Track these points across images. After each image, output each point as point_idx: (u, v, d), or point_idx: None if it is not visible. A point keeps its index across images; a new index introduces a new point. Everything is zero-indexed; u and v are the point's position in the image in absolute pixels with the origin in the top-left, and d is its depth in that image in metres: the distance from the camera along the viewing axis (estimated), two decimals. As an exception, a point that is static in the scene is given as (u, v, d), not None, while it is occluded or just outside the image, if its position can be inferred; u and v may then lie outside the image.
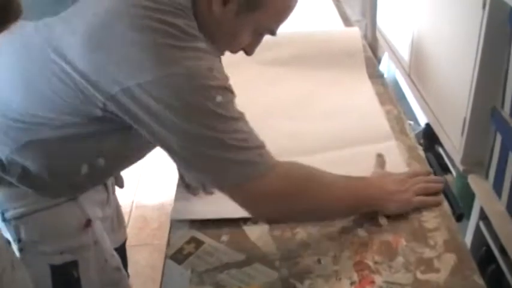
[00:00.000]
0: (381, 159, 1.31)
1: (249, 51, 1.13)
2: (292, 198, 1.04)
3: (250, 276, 1.06)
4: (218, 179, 1.00)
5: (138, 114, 0.93)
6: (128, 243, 2.14)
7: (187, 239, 1.17)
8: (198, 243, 1.15)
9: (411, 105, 2.16)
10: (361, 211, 1.16)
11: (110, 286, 1.30)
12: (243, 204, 1.03)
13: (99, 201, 1.27)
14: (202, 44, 0.95)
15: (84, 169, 1.08)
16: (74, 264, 1.20)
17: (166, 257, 1.13)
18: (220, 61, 1.03)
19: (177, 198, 1.28)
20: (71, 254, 1.19)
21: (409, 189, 1.17)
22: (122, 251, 1.52)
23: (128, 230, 2.49)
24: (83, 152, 1.08)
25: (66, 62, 0.95)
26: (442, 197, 1.20)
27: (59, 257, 1.18)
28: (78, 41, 0.93)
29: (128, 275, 1.59)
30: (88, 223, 1.20)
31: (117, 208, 1.46)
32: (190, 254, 1.13)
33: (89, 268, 1.22)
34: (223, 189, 1.01)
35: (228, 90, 0.98)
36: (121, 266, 1.33)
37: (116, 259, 1.32)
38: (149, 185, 3.01)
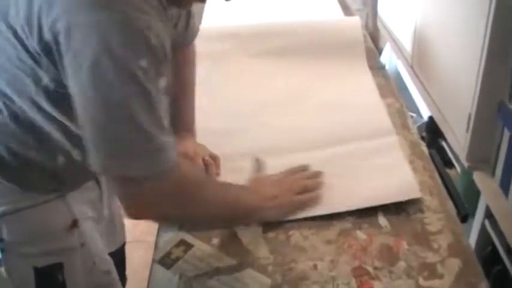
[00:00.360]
0: (258, 163, 1.26)
1: None
2: (182, 203, 0.96)
3: (242, 282, 1.00)
4: (105, 160, 0.86)
5: (64, 58, 0.82)
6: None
7: (176, 242, 1.10)
8: (187, 246, 1.09)
9: (413, 97, 2.10)
10: (243, 222, 1.11)
11: None
12: (125, 198, 0.91)
13: (89, 200, 1.21)
14: (154, 1, 0.84)
15: (61, 159, 1.02)
16: (59, 266, 1.14)
17: (153, 261, 1.07)
18: (167, 30, 0.90)
19: None
20: (56, 256, 1.14)
21: (288, 189, 1.13)
22: (120, 253, 1.48)
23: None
24: (55, 141, 1.01)
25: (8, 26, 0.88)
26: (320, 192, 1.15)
27: (43, 259, 1.13)
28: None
29: (126, 278, 1.54)
30: (74, 223, 1.14)
31: (116, 210, 1.39)
32: (178, 258, 1.07)
33: (75, 271, 1.17)
34: (108, 175, 0.91)
35: (157, 59, 0.84)
36: (112, 269, 1.28)
37: (107, 262, 1.26)
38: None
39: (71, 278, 1.16)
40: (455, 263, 0.99)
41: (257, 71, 1.68)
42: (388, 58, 2.32)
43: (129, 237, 1.92)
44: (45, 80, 0.91)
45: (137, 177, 0.86)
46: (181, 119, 1.33)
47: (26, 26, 0.85)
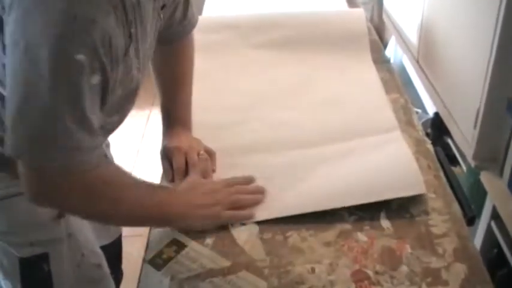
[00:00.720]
0: (203, 164, 1.20)
1: None
2: (90, 201, 0.93)
3: (236, 285, 0.95)
4: (17, 142, 0.83)
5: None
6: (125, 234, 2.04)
7: (168, 241, 1.05)
8: (180, 246, 1.04)
9: (419, 93, 2.06)
10: (160, 225, 1.08)
11: (87, 284, 1.22)
12: (37, 183, 0.88)
13: None
14: None
15: None
16: (45, 257, 1.12)
17: (143, 261, 1.02)
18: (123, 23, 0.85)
19: None
20: (41, 246, 1.11)
21: (220, 201, 1.08)
22: (116, 246, 1.45)
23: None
24: None
25: None
26: (255, 211, 1.09)
27: (28, 249, 1.11)
28: None
29: (122, 273, 1.50)
30: (61, 213, 1.11)
31: None
32: (170, 258, 1.02)
33: (62, 262, 1.15)
34: (19, 159, 0.86)
35: (95, 53, 0.79)
36: (103, 263, 1.24)
37: (97, 255, 1.23)
38: (143, 173, 2.89)
39: (57, 269, 1.14)
40: (460, 269, 0.94)
41: (256, 63, 1.63)
42: (393, 52, 2.28)
43: (127, 231, 1.88)
44: None
45: (47, 168, 0.85)
46: (176, 113, 1.28)
47: None
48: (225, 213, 1.07)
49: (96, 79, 0.81)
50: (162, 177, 1.22)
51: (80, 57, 0.76)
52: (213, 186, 1.13)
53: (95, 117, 0.85)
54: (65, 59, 0.77)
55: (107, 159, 0.99)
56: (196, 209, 1.06)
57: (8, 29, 0.78)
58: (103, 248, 1.29)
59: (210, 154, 1.23)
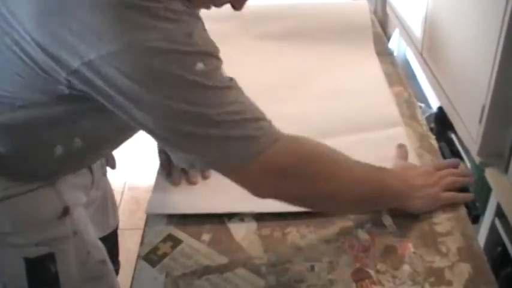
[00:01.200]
0: (402, 149, 1.16)
1: (237, 5, 0.98)
2: (300, 177, 0.88)
3: (233, 283, 0.93)
4: (210, 160, 0.86)
5: (107, 92, 0.79)
6: (119, 227, 2.02)
7: (164, 236, 1.03)
8: (176, 242, 1.02)
9: (422, 87, 2.02)
10: (380, 207, 1.03)
11: (92, 281, 1.19)
12: (243, 185, 0.88)
13: (81, 185, 1.14)
14: (178, 5, 0.79)
15: (59, 150, 0.95)
16: (51, 257, 1.08)
17: (138, 257, 1.00)
18: (203, 27, 0.87)
19: (155, 189, 1.14)
20: (47, 246, 1.07)
21: (437, 183, 1.04)
22: (112, 238, 1.42)
23: (120, 213, 2.37)
24: (55, 134, 0.94)
25: (21, 32, 0.80)
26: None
27: (34, 249, 1.07)
28: (32, 7, 0.78)
29: (119, 264, 1.49)
30: (66, 211, 1.07)
31: (108, 191, 1.34)
32: (165, 254, 1.00)
33: (68, 261, 1.11)
34: (217, 170, 0.88)
35: (212, 57, 0.82)
36: (106, 258, 1.22)
37: (101, 251, 1.21)
38: (143, 165, 2.89)
39: (64, 268, 1.11)
40: (465, 269, 0.91)
41: (258, 54, 1.60)
42: (397, 45, 2.24)
43: (127, 224, 1.86)
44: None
45: (234, 164, 0.85)
46: None
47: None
48: (445, 195, 1.04)
49: (221, 73, 0.85)
50: (159, 172, 1.19)
51: (200, 66, 0.79)
52: (426, 168, 1.09)
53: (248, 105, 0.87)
54: (189, 77, 0.78)
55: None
56: (415, 189, 1.02)
57: (114, 74, 0.77)
58: (102, 239, 1.26)
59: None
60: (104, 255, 1.20)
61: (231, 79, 0.85)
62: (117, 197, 2.44)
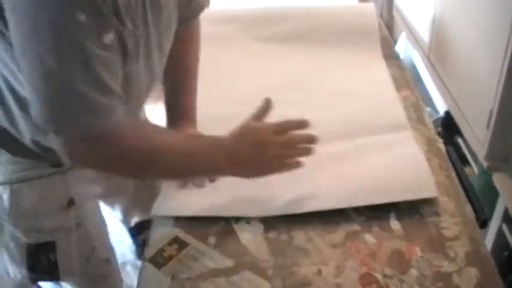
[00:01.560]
0: (265, 106, 1.08)
1: None
2: (123, 162, 0.92)
3: (239, 286, 0.92)
4: (49, 118, 0.83)
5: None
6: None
7: (170, 239, 1.02)
8: (182, 244, 1.01)
9: (429, 91, 2.02)
10: (211, 175, 1.08)
11: (95, 279, 1.21)
12: (68, 149, 0.88)
13: (92, 178, 1.15)
14: None
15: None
16: (51, 246, 1.11)
17: (144, 259, 0.99)
18: None
19: (162, 191, 1.14)
20: (49, 234, 1.10)
21: (268, 154, 1.01)
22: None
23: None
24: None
25: None
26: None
27: (36, 235, 1.10)
28: None
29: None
30: (71, 202, 1.09)
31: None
32: (171, 257, 0.99)
33: (69, 253, 1.13)
34: (52, 131, 0.86)
35: (100, 13, 0.78)
36: (112, 258, 1.23)
37: (108, 249, 1.21)
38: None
39: (64, 259, 1.13)
40: (473, 274, 0.90)
41: (263, 56, 1.60)
42: (403, 49, 2.23)
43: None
44: None
45: (72, 133, 0.84)
46: (180, 105, 1.23)
47: None
48: (272, 170, 1.02)
49: (108, 38, 0.80)
50: None
51: (82, 17, 0.74)
52: (263, 136, 1.02)
53: (114, 78, 0.84)
54: (67, 23, 0.75)
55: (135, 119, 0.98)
56: (240, 163, 1.00)
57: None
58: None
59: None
60: (110, 254, 1.20)
61: (106, 46, 0.81)
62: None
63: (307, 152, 1.03)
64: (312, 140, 1.04)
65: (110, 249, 1.23)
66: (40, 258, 1.11)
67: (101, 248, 1.18)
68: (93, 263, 1.17)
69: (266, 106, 1.08)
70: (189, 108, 1.24)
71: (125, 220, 1.37)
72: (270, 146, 1.01)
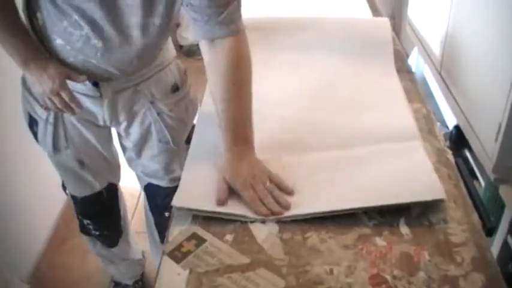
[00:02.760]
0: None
1: None
2: None
3: (254, 282, 0.96)
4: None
5: None
6: (135, 230, 2.08)
7: (188, 235, 1.07)
8: (200, 240, 1.05)
9: (439, 106, 2.04)
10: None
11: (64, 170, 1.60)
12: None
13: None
14: None
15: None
16: (35, 122, 1.46)
17: (163, 253, 1.04)
18: None
19: (182, 184, 1.18)
20: (35, 113, 1.44)
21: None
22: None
23: (136, 216, 2.41)
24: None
25: None
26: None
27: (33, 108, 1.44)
28: None
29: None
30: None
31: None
32: (189, 252, 1.03)
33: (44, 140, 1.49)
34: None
35: None
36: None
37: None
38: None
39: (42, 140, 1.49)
40: (478, 279, 0.94)
41: (278, 64, 1.64)
42: (415, 64, 2.27)
43: (144, 226, 1.92)
44: None
45: None
46: (235, 128, 1.22)
47: None
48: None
49: None
50: (185, 170, 1.23)
51: None
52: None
53: None
54: None
55: None
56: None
57: None
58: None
59: (276, 182, 1.16)
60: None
61: None
62: (134, 201, 2.48)
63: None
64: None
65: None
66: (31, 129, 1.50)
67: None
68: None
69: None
70: (244, 130, 1.23)
71: None
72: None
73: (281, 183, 1.15)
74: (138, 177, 1.71)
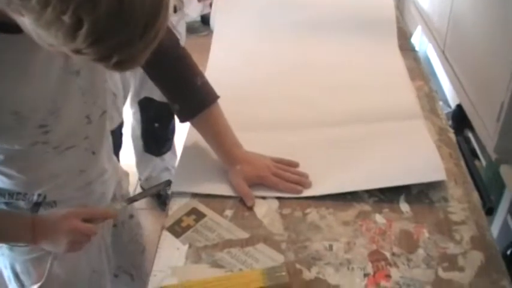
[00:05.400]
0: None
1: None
2: None
3: (253, 257, 0.96)
4: None
5: None
6: (136, 206, 2.08)
7: (188, 210, 1.07)
8: (199, 215, 1.05)
9: (442, 85, 2.04)
10: None
11: None
12: None
13: None
14: None
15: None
16: None
17: (163, 228, 1.04)
18: None
19: (179, 168, 1.18)
20: None
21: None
22: None
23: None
24: None
25: None
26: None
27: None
28: None
29: None
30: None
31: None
32: (189, 227, 1.03)
33: None
34: None
35: None
36: None
37: None
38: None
39: None
40: (477, 257, 0.94)
41: (280, 41, 1.63)
42: (418, 43, 2.26)
43: (143, 203, 1.90)
44: None
45: None
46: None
47: None
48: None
49: None
50: (182, 155, 1.22)
51: None
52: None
53: None
54: None
55: None
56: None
57: None
58: None
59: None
60: None
61: None
62: (133, 178, 2.48)
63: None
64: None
65: None
66: None
67: None
68: None
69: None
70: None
71: None
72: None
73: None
74: None
